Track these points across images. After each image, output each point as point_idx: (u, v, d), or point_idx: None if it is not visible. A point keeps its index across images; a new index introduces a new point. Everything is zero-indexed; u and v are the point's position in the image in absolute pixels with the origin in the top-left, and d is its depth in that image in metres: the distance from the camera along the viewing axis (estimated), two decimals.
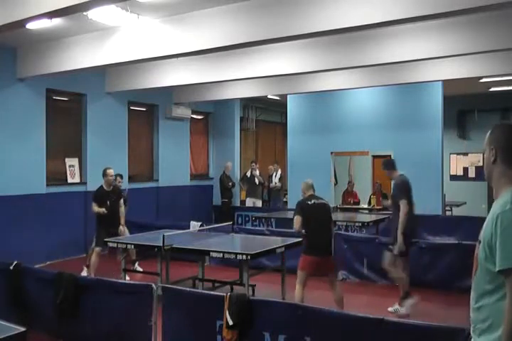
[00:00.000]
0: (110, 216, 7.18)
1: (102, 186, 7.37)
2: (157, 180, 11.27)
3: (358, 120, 11.26)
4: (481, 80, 10.63)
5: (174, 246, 6.04)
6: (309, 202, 5.37)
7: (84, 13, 5.98)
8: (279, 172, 12.98)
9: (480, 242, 1.97)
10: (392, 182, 6.54)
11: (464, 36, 6.46)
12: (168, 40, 6.63)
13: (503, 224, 1.85)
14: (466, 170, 14.07)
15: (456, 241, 7.12)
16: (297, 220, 5.31)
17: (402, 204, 5.68)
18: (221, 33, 6.18)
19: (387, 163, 6.18)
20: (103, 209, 7.14)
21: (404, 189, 5.84)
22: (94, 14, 6.10)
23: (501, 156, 2.02)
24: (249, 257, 5.47)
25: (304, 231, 5.34)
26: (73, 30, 7.13)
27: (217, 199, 12.93)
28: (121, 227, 7.37)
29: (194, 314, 4.12)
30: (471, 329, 2.00)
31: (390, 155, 11.89)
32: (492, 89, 12.31)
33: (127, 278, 6.94)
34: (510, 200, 1.90)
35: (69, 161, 9.32)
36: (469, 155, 14.00)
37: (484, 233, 1.94)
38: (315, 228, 5.28)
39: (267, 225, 10.19)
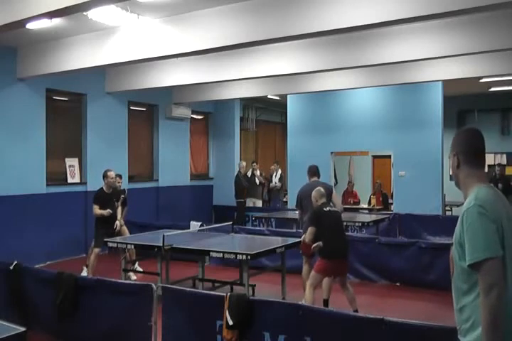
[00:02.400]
0: (109, 217, 7.14)
1: (102, 188, 7.28)
2: (157, 180, 11.27)
3: (358, 120, 11.27)
4: (481, 80, 10.64)
5: (174, 246, 6.04)
6: (325, 209, 5.57)
7: (84, 13, 5.99)
8: (279, 172, 12.98)
9: (453, 243, 2.01)
10: None
11: (464, 36, 6.46)
12: (168, 40, 6.63)
13: (468, 220, 1.92)
14: None
15: None
16: (311, 231, 5.48)
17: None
18: (221, 33, 6.18)
19: (307, 170, 6.68)
20: (108, 211, 7.05)
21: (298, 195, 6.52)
22: (94, 14, 6.10)
23: (464, 160, 2.12)
24: (249, 257, 5.47)
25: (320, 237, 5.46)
26: (73, 30, 7.13)
27: (217, 199, 12.95)
28: (117, 222, 7.24)
29: (194, 314, 4.11)
30: (458, 331, 2.02)
31: (390, 155, 11.92)
32: (492, 89, 12.32)
33: (134, 277, 7.00)
34: (474, 197, 1.97)
35: (69, 161, 9.31)
36: None
37: (455, 233, 1.99)
38: (332, 233, 5.46)
39: (267, 225, 10.19)
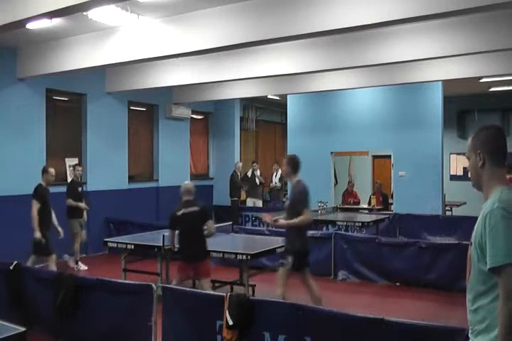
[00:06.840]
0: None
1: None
2: (157, 180, 11.26)
3: (358, 120, 11.26)
4: (481, 80, 10.63)
5: None
6: (180, 213, 5.42)
7: (84, 13, 5.99)
8: (279, 172, 12.96)
9: (472, 243, 1.98)
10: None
11: (464, 36, 6.46)
12: (168, 40, 6.63)
13: (491, 223, 1.87)
14: (466, 170, 14.03)
15: (456, 241, 7.13)
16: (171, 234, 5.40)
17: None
18: (221, 33, 6.18)
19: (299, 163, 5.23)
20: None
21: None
22: (94, 14, 6.10)
23: (490, 160, 2.05)
24: (249, 257, 5.48)
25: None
26: (73, 30, 7.13)
27: (217, 199, 12.93)
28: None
29: (194, 314, 4.11)
30: (470, 331, 2.01)
31: (390, 156, 11.91)
32: (492, 89, 12.31)
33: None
34: (498, 199, 1.92)
35: (69, 161, 9.31)
36: None
37: (475, 234, 1.96)
38: (188, 237, 5.40)
39: (267, 225, 10.17)
